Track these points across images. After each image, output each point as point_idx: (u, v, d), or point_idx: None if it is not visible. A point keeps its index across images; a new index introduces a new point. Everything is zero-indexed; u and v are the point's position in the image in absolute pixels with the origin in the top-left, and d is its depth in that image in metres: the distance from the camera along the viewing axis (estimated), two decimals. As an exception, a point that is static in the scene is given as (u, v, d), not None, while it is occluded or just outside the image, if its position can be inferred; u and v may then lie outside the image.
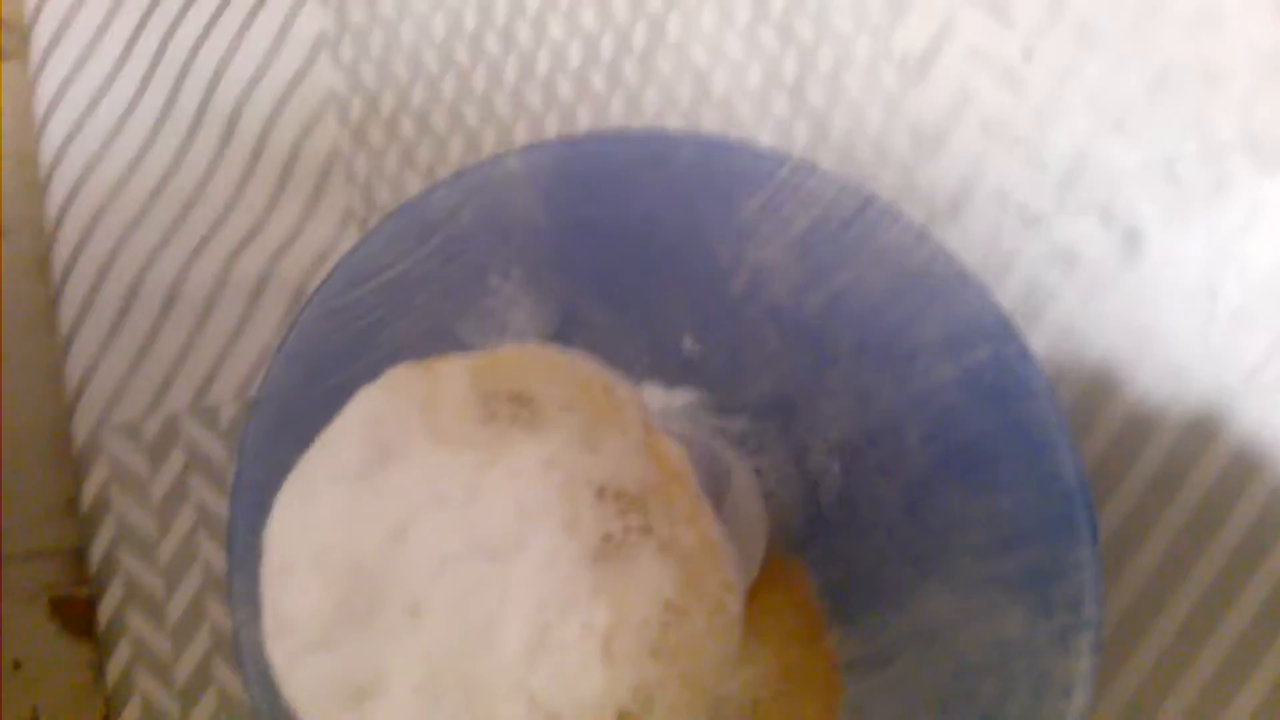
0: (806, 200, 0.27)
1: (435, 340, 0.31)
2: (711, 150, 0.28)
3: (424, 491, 0.19)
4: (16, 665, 0.36)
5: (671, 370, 0.31)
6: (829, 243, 0.27)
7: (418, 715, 0.19)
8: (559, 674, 0.18)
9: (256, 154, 0.38)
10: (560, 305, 0.31)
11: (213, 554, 0.38)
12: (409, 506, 0.19)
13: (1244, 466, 0.29)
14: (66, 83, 0.41)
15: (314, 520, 0.20)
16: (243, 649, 0.31)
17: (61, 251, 0.40)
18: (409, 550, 0.18)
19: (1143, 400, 0.30)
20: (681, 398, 0.32)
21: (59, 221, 0.40)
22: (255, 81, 0.38)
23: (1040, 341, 0.31)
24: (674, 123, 0.34)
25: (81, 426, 0.39)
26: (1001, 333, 0.26)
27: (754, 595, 0.31)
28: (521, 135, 0.36)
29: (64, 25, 0.41)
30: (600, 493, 0.19)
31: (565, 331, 0.31)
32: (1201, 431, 0.30)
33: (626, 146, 0.28)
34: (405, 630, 0.19)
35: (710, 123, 0.34)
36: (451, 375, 0.20)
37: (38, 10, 0.42)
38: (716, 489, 0.25)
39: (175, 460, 0.38)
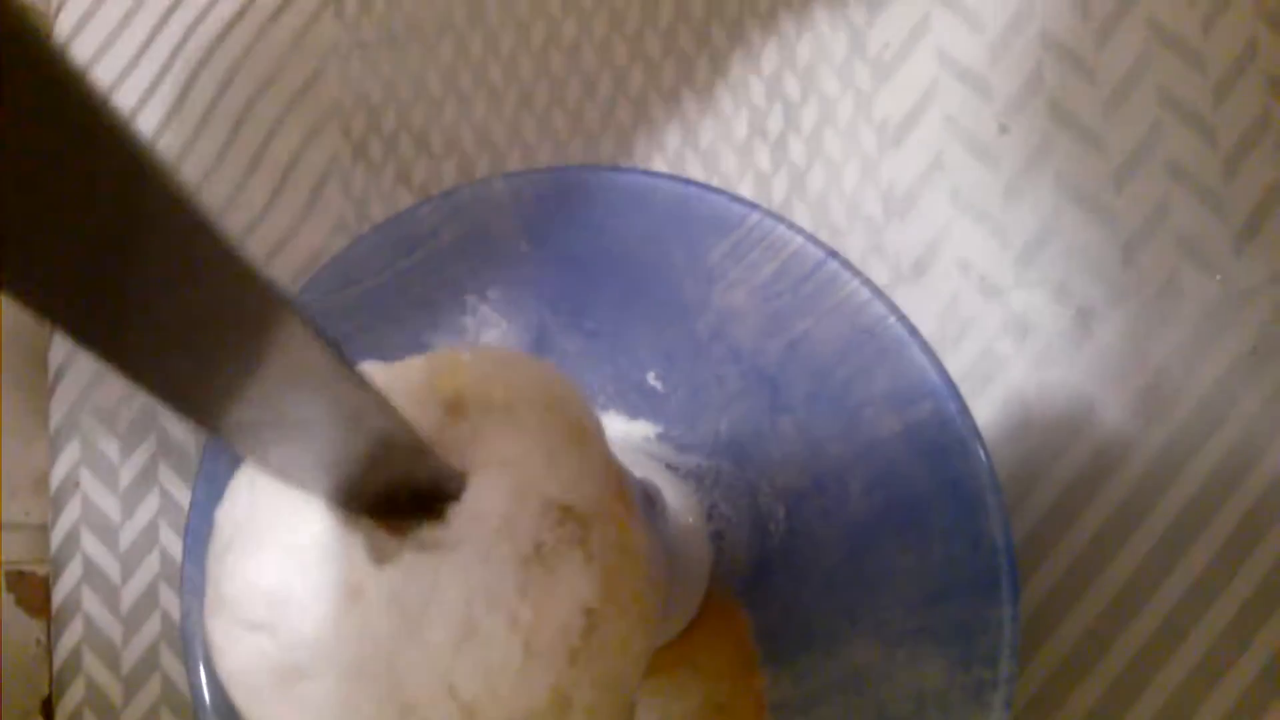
0: (772, 248, 0.28)
1: (408, 351, 0.32)
2: (688, 191, 0.29)
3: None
4: (-34, 633, 0.37)
5: (634, 402, 0.32)
6: (790, 292, 0.29)
7: (344, 699, 0.19)
8: (481, 668, 0.19)
9: (258, 157, 0.39)
10: (533, 329, 0.32)
11: (171, 542, 0.38)
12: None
13: (1173, 544, 0.30)
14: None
15: (262, 504, 0.21)
16: (190, 636, 0.32)
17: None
18: (354, 536, 0.19)
19: (1080, 471, 0.31)
20: (641, 429, 0.33)
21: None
22: (265, 87, 0.40)
23: (989, 406, 0.32)
24: (660, 166, 0.35)
25: (60, 407, 0.40)
26: (944, 391, 0.27)
27: (692, 632, 0.32)
28: (515, 163, 0.37)
29: (87, 16, 0.42)
30: (547, 506, 0.20)
31: (536, 354, 0.32)
32: (1135, 507, 0.31)
33: (609, 180, 0.30)
34: (342, 614, 0.19)
35: (694, 170, 0.35)
36: (410, 374, 0.21)
37: (63, 1, 0.43)
38: (650, 516, 0.26)
39: (146, 448, 0.39)
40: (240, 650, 0.20)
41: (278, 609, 0.20)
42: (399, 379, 0.21)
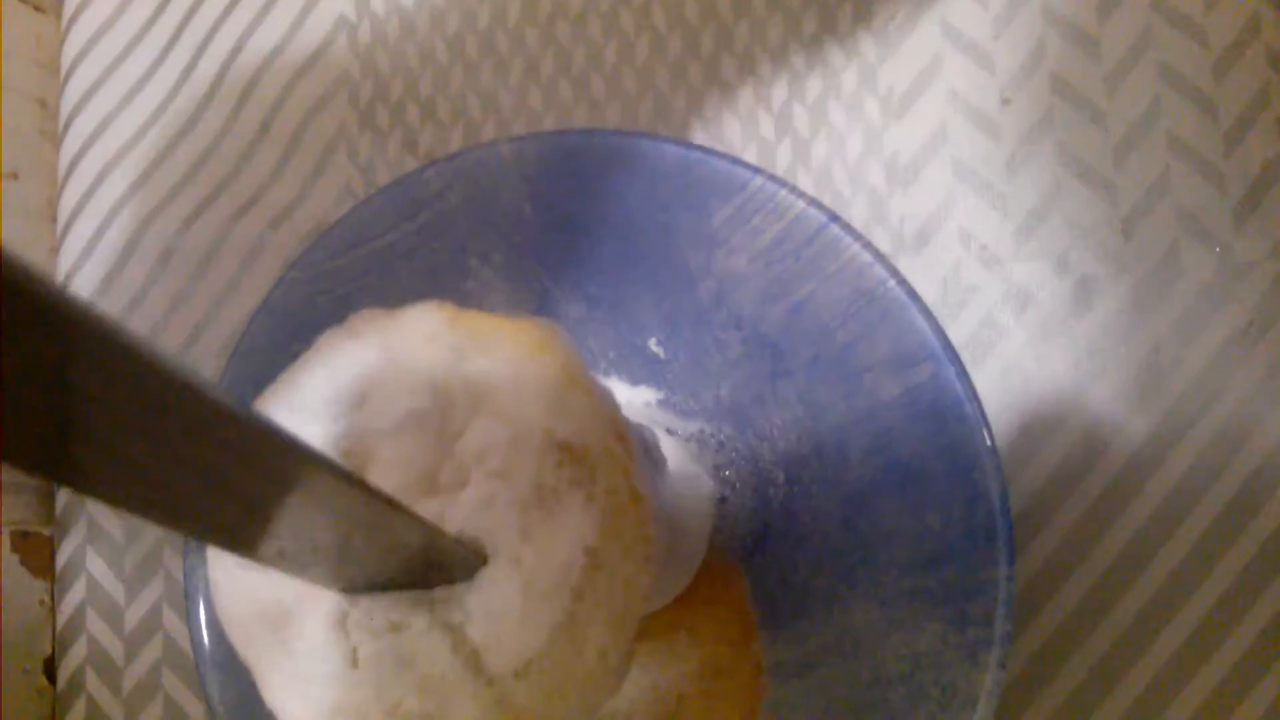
0: (775, 213, 0.29)
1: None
2: (691, 156, 0.29)
3: (382, 421, 0.20)
4: (-27, 592, 0.37)
5: (636, 368, 0.33)
6: (792, 256, 0.29)
7: (336, 640, 0.20)
8: (484, 612, 0.19)
9: (266, 125, 0.40)
10: (536, 294, 0.33)
11: (178, 505, 0.39)
12: (364, 441, 0.20)
13: (1167, 518, 0.31)
14: (95, 38, 0.42)
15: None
16: (193, 592, 0.32)
17: (69, 199, 0.42)
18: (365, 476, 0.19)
19: (1079, 441, 0.31)
20: (643, 395, 0.33)
21: (70, 170, 0.42)
22: (274, 56, 0.40)
23: (989, 376, 0.32)
24: (664, 134, 0.36)
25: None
26: (943, 355, 0.27)
27: (690, 596, 0.33)
28: (520, 130, 0.37)
29: (98, -16, 0.43)
30: (547, 447, 0.20)
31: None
32: (1132, 477, 0.31)
33: (613, 143, 0.30)
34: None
35: (699, 138, 0.35)
36: (417, 320, 0.21)
37: (74, -31, 0.43)
38: (649, 465, 0.26)
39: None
40: (236, 590, 0.21)
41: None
42: (408, 324, 0.21)
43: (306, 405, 0.21)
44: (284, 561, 0.15)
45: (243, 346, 0.32)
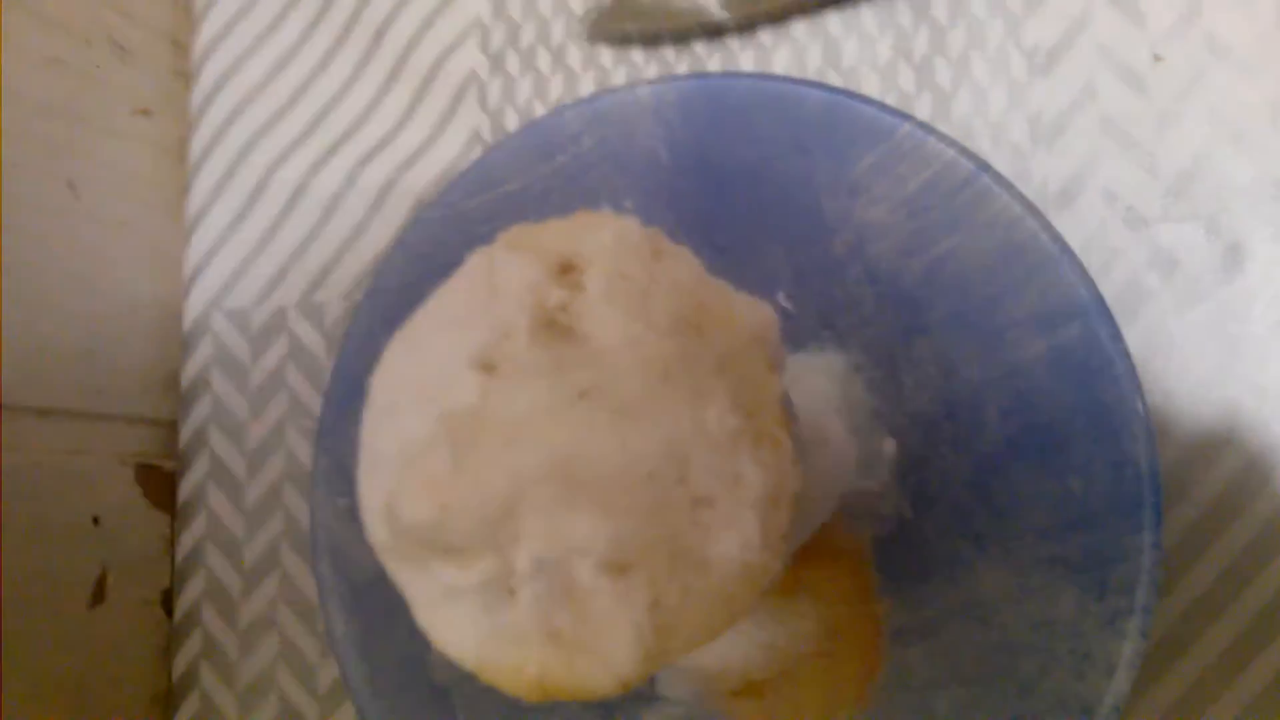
0: (921, 161, 0.28)
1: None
2: (837, 100, 0.28)
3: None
4: (95, 521, 0.38)
5: (764, 321, 0.32)
6: (938, 207, 0.28)
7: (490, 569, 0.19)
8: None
9: (398, 69, 0.40)
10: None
11: (297, 444, 0.39)
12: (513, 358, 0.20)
13: (1319, 491, 0.29)
14: (230, -21, 0.43)
15: (416, 364, 0.21)
16: (317, 530, 0.33)
17: (201, 138, 0.42)
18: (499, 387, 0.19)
19: (1224, 412, 0.30)
20: (771, 349, 0.32)
21: (203, 109, 0.43)
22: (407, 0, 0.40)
23: (1132, 341, 0.31)
24: (801, 86, 0.35)
25: (194, 306, 0.41)
26: (1095, 311, 0.26)
27: (811, 553, 0.32)
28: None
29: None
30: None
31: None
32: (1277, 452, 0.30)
33: (754, 86, 0.29)
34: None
35: (835, 91, 0.35)
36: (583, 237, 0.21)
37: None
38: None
39: (277, 350, 0.40)
40: (388, 514, 0.21)
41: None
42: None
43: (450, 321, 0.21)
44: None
45: (376, 284, 0.33)
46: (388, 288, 0.32)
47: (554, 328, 0.20)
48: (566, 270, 0.21)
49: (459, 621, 0.20)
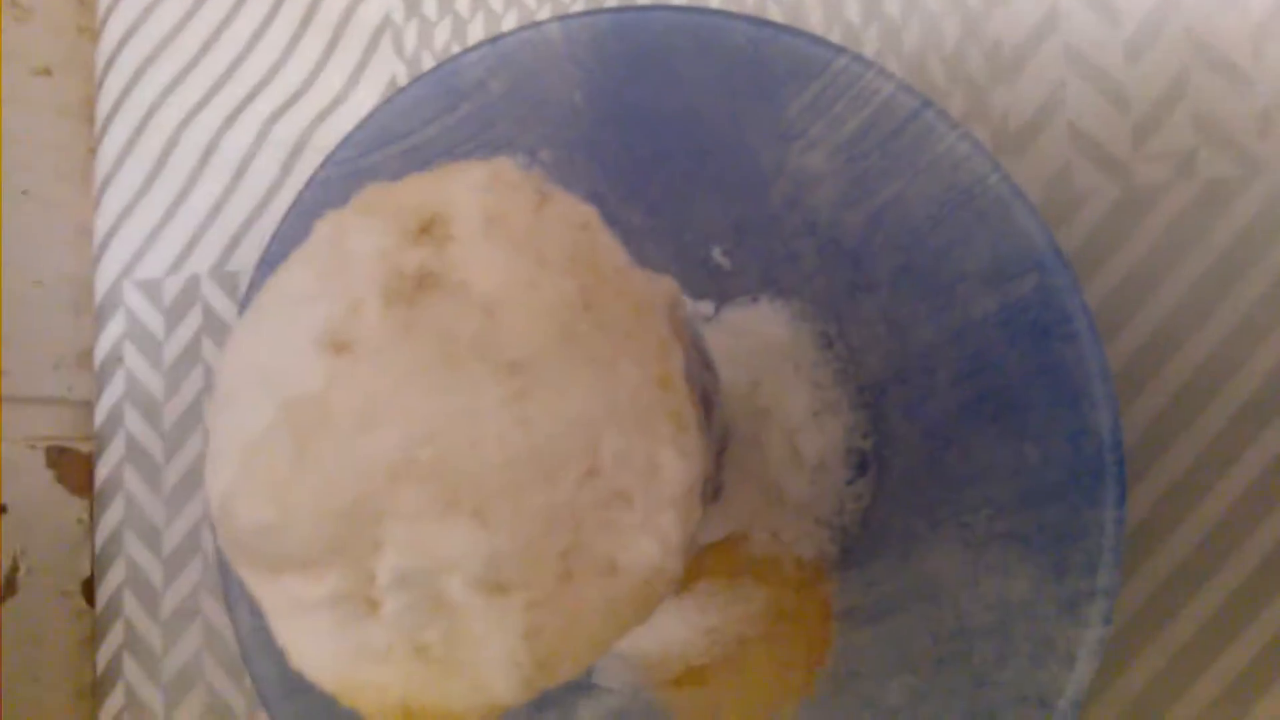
0: (859, 99, 0.25)
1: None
2: (763, 32, 0.25)
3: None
4: (3, 509, 0.35)
5: (699, 281, 0.29)
6: (878, 149, 0.25)
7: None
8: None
9: (308, 17, 0.37)
10: (590, 198, 0.29)
11: (217, 422, 0.37)
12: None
13: (1305, 453, 0.27)
14: (131, -74, 0.40)
15: (257, 347, 0.18)
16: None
17: (107, 98, 0.39)
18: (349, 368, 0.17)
19: (1203, 365, 0.27)
20: (705, 311, 0.30)
21: (108, 67, 0.40)
22: (317, -59, 0.37)
23: (1101, 291, 0.28)
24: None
25: (105, 278, 0.39)
26: (1051, 262, 0.23)
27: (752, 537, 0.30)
28: (577, 19, 0.34)
29: None
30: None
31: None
32: (1261, 407, 0.27)
33: (675, 20, 0.26)
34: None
35: (776, 25, 0.32)
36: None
37: None
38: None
39: (190, 322, 0.37)
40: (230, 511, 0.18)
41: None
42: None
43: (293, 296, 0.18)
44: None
45: (272, 253, 0.30)
46: (284, 255, 0.29)
47: (421, 286, 0.17)
48: (427, 228, 0.18)
49: (313, 637, 0.18)
